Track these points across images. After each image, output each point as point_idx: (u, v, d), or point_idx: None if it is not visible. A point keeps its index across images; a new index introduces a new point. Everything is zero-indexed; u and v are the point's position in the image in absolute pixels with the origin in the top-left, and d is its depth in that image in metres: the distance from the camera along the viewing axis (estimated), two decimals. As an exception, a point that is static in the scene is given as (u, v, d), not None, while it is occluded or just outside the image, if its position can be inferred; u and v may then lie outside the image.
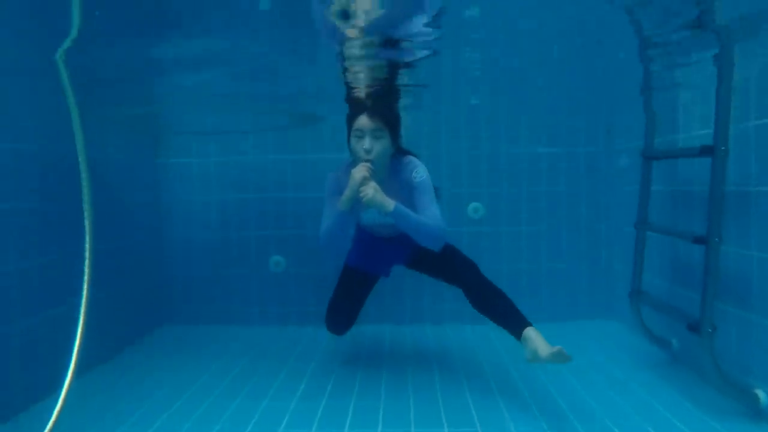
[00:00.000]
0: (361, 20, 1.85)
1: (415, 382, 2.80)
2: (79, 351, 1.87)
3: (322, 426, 2.32)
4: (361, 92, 2.81)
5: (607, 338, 3.44)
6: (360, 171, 2.48)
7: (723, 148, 2.23)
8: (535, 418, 2.34)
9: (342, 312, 2.90)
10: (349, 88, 2.77)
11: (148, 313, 3.81)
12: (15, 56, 2.16)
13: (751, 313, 2.34)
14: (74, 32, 1.79)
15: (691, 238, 2.37)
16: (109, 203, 3.21)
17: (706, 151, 2.28)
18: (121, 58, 2.19)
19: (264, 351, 3.37)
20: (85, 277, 1.89)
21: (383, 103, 2.69)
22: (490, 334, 3.53)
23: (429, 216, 2.51)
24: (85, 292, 1.89)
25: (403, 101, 3.15)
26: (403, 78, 2.70)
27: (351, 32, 1.98)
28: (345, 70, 2.50)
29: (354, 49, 2.19)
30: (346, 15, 1.79)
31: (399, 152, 2.75)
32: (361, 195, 2.44)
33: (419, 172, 2.62)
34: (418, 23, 1.94)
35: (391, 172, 2.69)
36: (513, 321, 2.43)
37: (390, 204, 2.45)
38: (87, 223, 1.88)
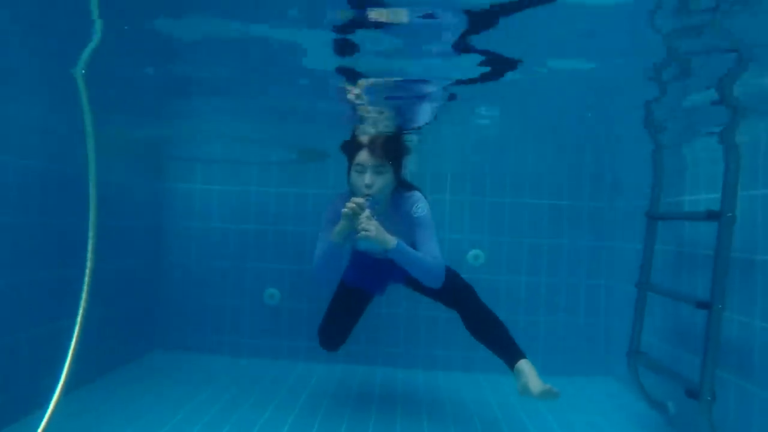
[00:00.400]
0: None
1: (403, 425, 2.74)
2: (69, 368, 1.84)
3: (307, 466, 2.26)
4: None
5: (603, 397, 3.38)
6: (352, 207, 2.37)
7: (730, 214, 2.24)
8: (525, 475, 2.28)
9: (335, 327, 2.83)
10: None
11: (140, 337, 3.76)
12: (28, 73, 2.16)
13: (752, 384, 2.30)
14: (95, 42, 1.77)
15: (693, 303, 2.34)
16: (108, 223, 3.19)
17: (712, 216, 2.29)
18: (142, 73, 2.16)
19: (253, 383, 3.31)
20: (83, 295, 1.87)
21: (388, 137, 2.62)
22: (482, 383, 3.48)
23: (428, 252, 2.47)
24: (81, 310, 1.87)
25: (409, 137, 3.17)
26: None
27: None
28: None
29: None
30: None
31: (402, 185, 2.70)
32: (362, 234, 2.36)
33: (420, 206, 2.57)
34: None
35: (392, 205, 2.64)
36: (508, 351, 2.41)
37: (391, 241, 2.39)
38: (90, 243, 1.87)
